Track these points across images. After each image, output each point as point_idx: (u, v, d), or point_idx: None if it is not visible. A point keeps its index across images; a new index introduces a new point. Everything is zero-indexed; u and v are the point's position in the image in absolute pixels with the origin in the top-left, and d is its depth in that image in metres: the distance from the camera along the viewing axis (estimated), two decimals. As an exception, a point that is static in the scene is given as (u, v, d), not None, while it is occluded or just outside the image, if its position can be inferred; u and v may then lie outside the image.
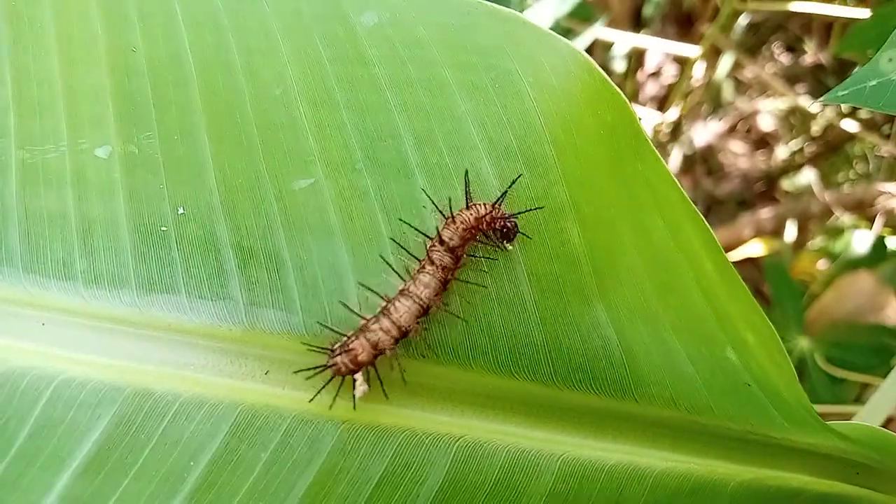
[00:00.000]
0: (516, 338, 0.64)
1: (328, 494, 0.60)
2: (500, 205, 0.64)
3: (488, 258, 0.65)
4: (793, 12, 3.13)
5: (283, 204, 0.64)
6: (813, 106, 2.93)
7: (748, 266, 2.95)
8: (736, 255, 2.87)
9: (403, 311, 0.61)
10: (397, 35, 0.70)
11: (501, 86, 0.67)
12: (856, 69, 0.89)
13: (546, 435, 0.63)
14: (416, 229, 0.64)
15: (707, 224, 0.72)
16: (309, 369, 0.60)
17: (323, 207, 0.64)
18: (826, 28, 3.26)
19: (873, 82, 0.88)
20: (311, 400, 0.60)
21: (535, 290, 0.64)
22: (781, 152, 3.48)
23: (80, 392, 0.58)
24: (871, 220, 2.85)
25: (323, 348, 0.60)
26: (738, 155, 3.62)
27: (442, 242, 0.63)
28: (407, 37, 0.70)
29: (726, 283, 0.72)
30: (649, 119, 2.98)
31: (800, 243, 2.98)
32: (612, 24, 2.98)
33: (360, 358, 0.60)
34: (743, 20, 3.11)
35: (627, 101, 0.70)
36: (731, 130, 3.64)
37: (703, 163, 3.59)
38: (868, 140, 2.98)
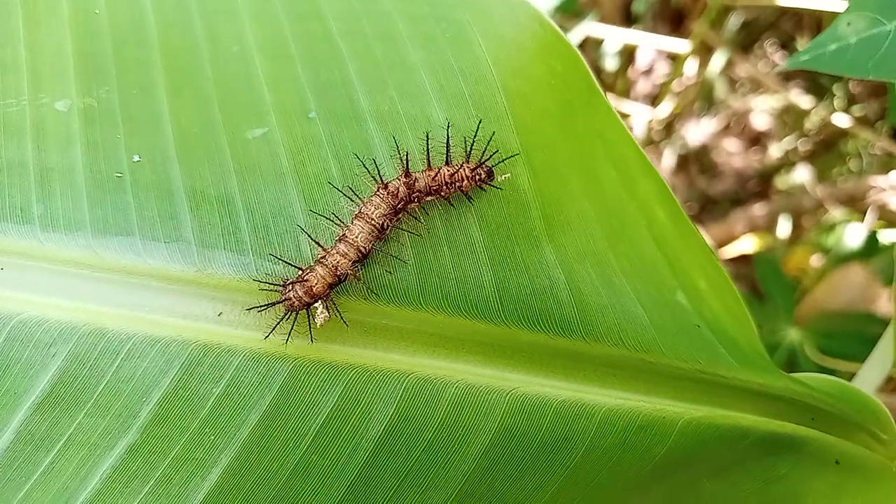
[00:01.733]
0: (466, 278, 0.65)
1: (279, 428, 0.61)
2: (471, 163, 0.66)
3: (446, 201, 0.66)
4: (784, 11, 3.15)
5: (237, 150, 0.66)
6: (803, 102, 2.94)
7: (742, 262, 2.96)
8: (729, 251, 2.88)
9: (358, 231, 0.63)
10: (353, -10, 0.72)
11: (452, 36, 0.69)
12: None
13: (495, 372, 0.64)
14: (403, 157, 0.66)
15: (661, 175, 0.74)
16: (260, 306, 0.61)
17: (275, 154, 0.66)
18: (817, 25, 3.27)
19: (833, 46, 0.89)
20: (266, 337, 0.61)
21: (485, 233, 0.66)
22: (775, 150, 3.48)
23: (35, 331, 0.60)
24: (864, 214, 2.86)
25: (275, 283, 0.62)
26: (731, 153, 3.63)
27: (408, 175, 0.64)
28: (362, -9, 0.72)
29: (679, 231, 0.73)
30: (641, 116, 2.99)
31: (793, 239, 2.99)
32: (603, 20, 3.00)
33: (315, 289, 0.61)
34: (735, 19, 3.12)
35: (579, 53, 0.72)
36: (725, 129, 3.65)
37: (696, 161, 3.59)
38: (861, 137, 2.99)
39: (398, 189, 0.64)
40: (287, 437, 0.61)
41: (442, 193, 0.65)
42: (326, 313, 0.61)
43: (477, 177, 0.65)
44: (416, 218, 0.65)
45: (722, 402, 0.68)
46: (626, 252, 0.70)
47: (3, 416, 0.59)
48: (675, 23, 3.37)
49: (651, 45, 2.73)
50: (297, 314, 0.61)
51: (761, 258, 2.34)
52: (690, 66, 3.29)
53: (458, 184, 0.64)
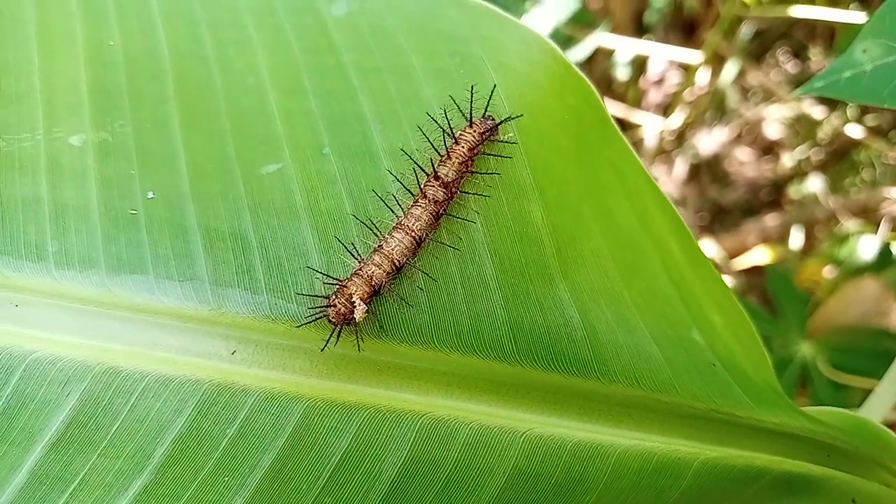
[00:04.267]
0: (480, 317, 0.64)
1: (293, 469, 0.61)
2: (478, 124, 0.66)
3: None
4: (797, 20, 3.14)
5: (251, 187, 0.66)
6: (816, 112, 2.93)
7: (755, 273, 2.94)
8: (741, 262, 2.87)
9: (395, 244, 0.63)
10: (365, 24, 0.72)
11: (466, 71, 0.69)
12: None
13: (510, 413, 0.64)
14: (416, 164, 0.66)
15: (675, 208, 0.73)
16: (305, 322, 0.62)
17: (290, 190, 0.66)
18: (830, 35, 3.26)
19: (848, 73, 0.89)
20: (323, 349, 0.62)
21: (498, 270, 0.65)
22: (787, 160, 3.47)
23: (50, 370, 0.60)
24: (877, 226, 2.84)
25: (316, 296, 0.62)
26: (743, 163, 3.62)
27: (437, 178, 0.65)
28: (375, 25, 0.72)
29: (694, 266, 0.73)
30: (653, 126, 2.99)
31: (805, 250, 2.97)
32: (615, 30, 2.99)
33: (354, 297, 0.61)
34: (747, 28, 3.11)
35: (593, 86, 0.71)
36: (737, 138, 3.63)
37: (708, 171, 3.58)
38: (874, 147, 2.97)
39: (436, 192, 0.64)
40: (300, 479, 0.61)
41: (469, 169, 0.66)
42: (365, 306, 0.61)
43: (486, 134, 0.66)
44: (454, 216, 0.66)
45: (737, 441, 0.68)
46: (640, 288, 0.69)
47: (18, 455, 0.59)
48: (687, 32, 3.36)
49: (663, 55, 2.72)
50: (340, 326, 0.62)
51: (773, 271, 2.33)
52: (702, 76, 3.29)
53: (475, 149, 0.65)
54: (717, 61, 3.12)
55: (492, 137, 0.66)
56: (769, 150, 3.65)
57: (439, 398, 0.63)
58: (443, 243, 0.65)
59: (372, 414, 0.62)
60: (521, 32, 0.70)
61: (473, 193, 0.66)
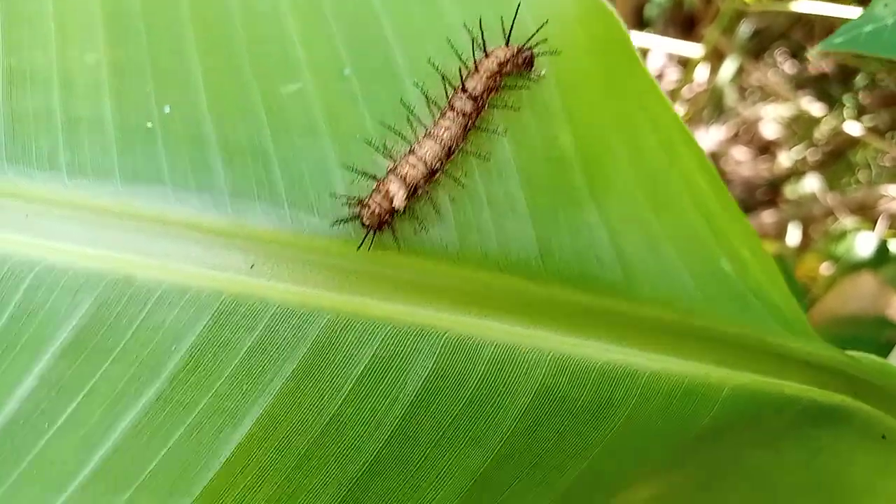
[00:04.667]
0: (507, 236, 0.63)
1: (313, 380, 0.59)
2: (512, 45, 0.65)
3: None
4: (796, 20, 3.14)
5: (270, 106, 0.64)
6: (815, 109, 2.94)
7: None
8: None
9: (427, 148, 0.62)
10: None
11: (493, -6, 0.67)
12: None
13: (536, 332, 0.62)
14: (443, 77, 0.65)
15: (700, 146, 0.72)
16: (343, 220, 0.61)
17: (309, 110, 0.64)
18: (829, 34, 3.25)
19: (869, 27, 0.88)
20: (359, 248, 0.60)
21: (526, 190, 0.64)
22: (784, 160, 3.47)
23: (61, 278, 0.58)
24: (874, 223, 2.84)
25: (352, 197, 0.61)
26: (740, 162, 3.62)
27: (465, 90, 0.63)
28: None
29: (721, 202, 0.71)
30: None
31: (802, 247, 2.97)
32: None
33: (392, 195, 0.60)
34: (747, 27, 3.12)
35: (620, 20, 0.70)
36: (734, 137, 3.64)
37: (705, 169, 3.58)
38: (872, 146, 2.98)
39: (464, 105, 0.63)
40: (322, 390, 0.59)
41: (497, 85, 0.65)
42: (403, 191, 0.60)
43: (521, 59, 0.65)
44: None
45: (767, 369, 0.66)
46: (668, 216, 0.68)
47: (26, 361, 0.57)
48: (687, 28, 3.37)
49: (662, 49, 2.72)
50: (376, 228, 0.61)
51: (770, 262, 2.30)
52: (701, 73, 3.29)
53: (504, 69, 0.64)
54: (715, 59, 3.13)
55: (521, 60, 0.65)
56: (766, 149, 3.66)
57: (464, 316, 0.61)
58: (472, 154, 0.63)
59: (396, 328, 0.60)
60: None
61: (501, 107, 0.65)
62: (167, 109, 0.62)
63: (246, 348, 0.58)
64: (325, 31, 0.67)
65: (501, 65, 0.64)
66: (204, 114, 0.62)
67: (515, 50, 0.65)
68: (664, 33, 3.31)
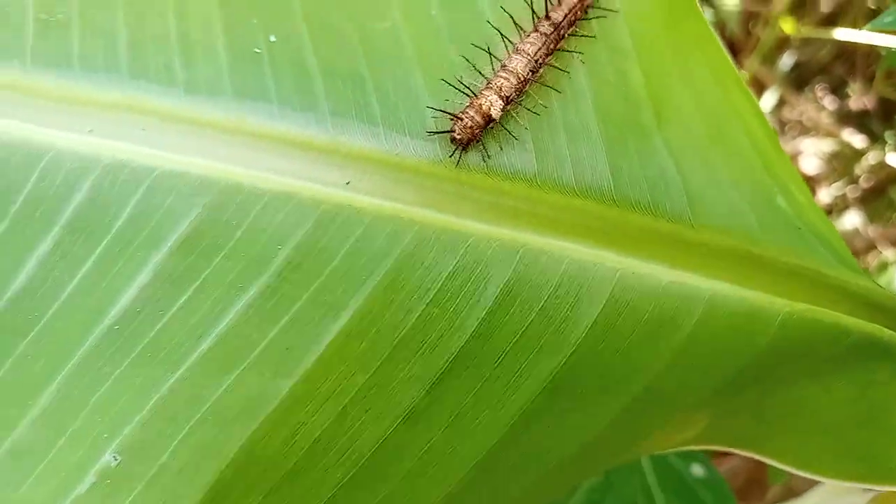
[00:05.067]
0: (582, 162, 0.68)
1: (403, 282, 0.64)
2: None
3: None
4: (837, 55, 3.18)
5: (365, 39, 0.70)
6: (857, 141, 2.95)
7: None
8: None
9: (517, 61, 0.68)
10: None
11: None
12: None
13: (606, 252, 0.66)
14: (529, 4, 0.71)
15: (753, 93, 0.77)
16: (438, 131, 0.66)
17: (400, 43, 0.70)
18: (871, 72, 3.29)
19: (918, 8, 0.92)
20: (453, 159, 0.66)
21: (600, 120, 0.69)
22: (825, 195, 3.48)
23: (176, 183, 0.63)
24: (916, 257, 2.83)
25: (446, 111, 0.67)
26: (780, 195, 3.62)
27: (549, 19, 0.70)
28: None
29: (773, 146, 0.76)
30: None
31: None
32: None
33: (484, 106, 0.65)
34: (787, 59, 3.16)
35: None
36: (773, 170, 3.64)
37: (743, 203, 3.57)
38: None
39: (547, 30, 0.69)
40: (410, 291, 0.64)
41: (578, 17, 0.71)
42: (503, 103, 0.66)
43: None
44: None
45: (823, 299, 0.70)
46: (726, 151, 0.72)
47: (142, 256, 0.63)
48: (728, 57, 3.40)
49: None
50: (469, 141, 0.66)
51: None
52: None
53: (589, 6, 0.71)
54: (756, 90, 3.17)
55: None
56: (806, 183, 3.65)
57: (538, 236, 0.66)
58: (548, 86, 0.69)
59: (475, 241, 0.65)
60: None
61: (581, 35, 0.71)
62: (273, 38, 0.69)
63: (344, 251, 0.63)
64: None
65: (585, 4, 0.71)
66: (306, 43, 0.69)
67: None
68: (705, 61, 3.34)
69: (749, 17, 3.18)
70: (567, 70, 0.71)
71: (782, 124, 3.53)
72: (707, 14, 3.06)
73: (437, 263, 0.64)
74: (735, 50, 3.40)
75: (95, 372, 0.62)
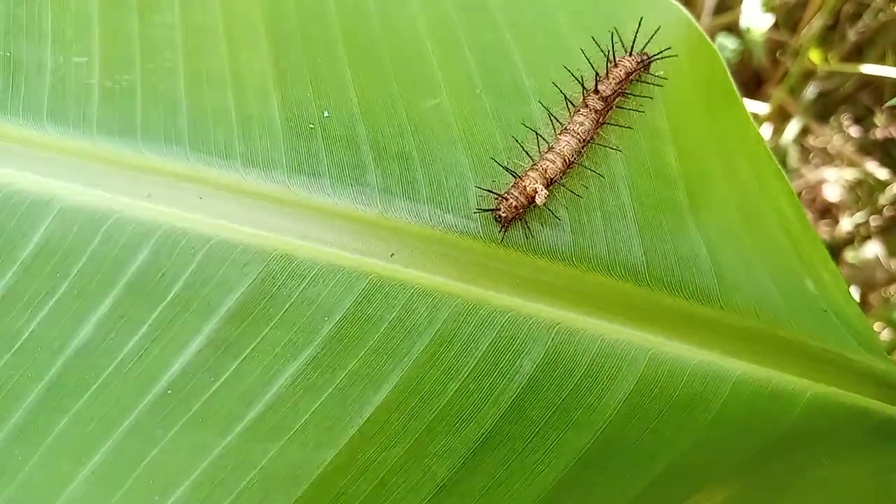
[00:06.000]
0: (617, 242, 0.71)
1: (441, 356, 0.67)
2: (638, 56, 0.76)
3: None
4: (863, 84, 3.18)
5: (413, 117, 0.73)
6: (880, 174, 2.95)
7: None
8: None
9: (565, 143, 0.71)
10: (517, -13, 0.80)
11: (611, 29, 0.76)
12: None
13: (638, 332, 0.69)
14: (578, 79, 0.75)
15: (787, 177, 0.79)
16: (484, 210, 0.70)
17: (447, 122, 0.73)
18: (897, 100, 3.26)
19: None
20: (502, 238, 0.70)
21: (636, 202, 0.72)
22: (846, 224, 3.47)
23: (231, 252, 0.67)
24: (936, 291, 2.83)
25: (493, 191, 0.70)
26: (801, 223, 3.62)
27: (597, 92, 0.73)
28: (526, -11, 0.80)
29: (803, 227, 0.78)
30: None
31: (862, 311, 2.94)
32: (683, 78, 3.04)
33: (528, 188, 0.69)
34: (813, 88, 3.16)
35: (722, 58, 0.78)
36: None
37: (765, 228, 3.57)
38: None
39: (596, 103, 0.72)
40: (449, 365, 0.67)
41: (625, 90, 0.75)
42: (546, 191, 0.69)
43: (642, 62, 0.75)
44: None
45: (846, 382, 0.72)
46: (759, 236, 0.75)
47: (196, 323, 0.66)
48: (753, 87, 3.42)
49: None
50: (513, 219, 0.69)
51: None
52: (765, 132, 3.33)
53: (631, 73, 0.74)
54: (780, 119, 3.17)
55: (645, 70, 0.75)
56: (827, 212, 3.66)
57: (573, 313, 0.69)
58: (588, 168, 0.72)
59: (514, 317, 0.68)
60: (662, 1, 0.78)
61: (629, 109, 0.74)
62: (326, 114, 0.72)
63: (386, 324, 0.67)
64: (459, 54, 0.77)
65: (629, 73, 0.74)
66: (357, 119, 0.72)
67: (639, 59, 0.75)
68: (731, 91, 3.35)
69: (776, 46, 3.19)
70: (614, 147, 0.74)
71: (806, 152, 3.53)
72: (733, 43, 3.08)
73: (476, 338, 0.67)
74: (761, 80, 3.41)
75: (148, 434, 0.66)
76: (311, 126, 0.72)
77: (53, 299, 0.67)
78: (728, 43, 3.18)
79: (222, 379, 0.66)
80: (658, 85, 0.76)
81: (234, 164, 0.70)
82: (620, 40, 0.76)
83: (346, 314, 0.67)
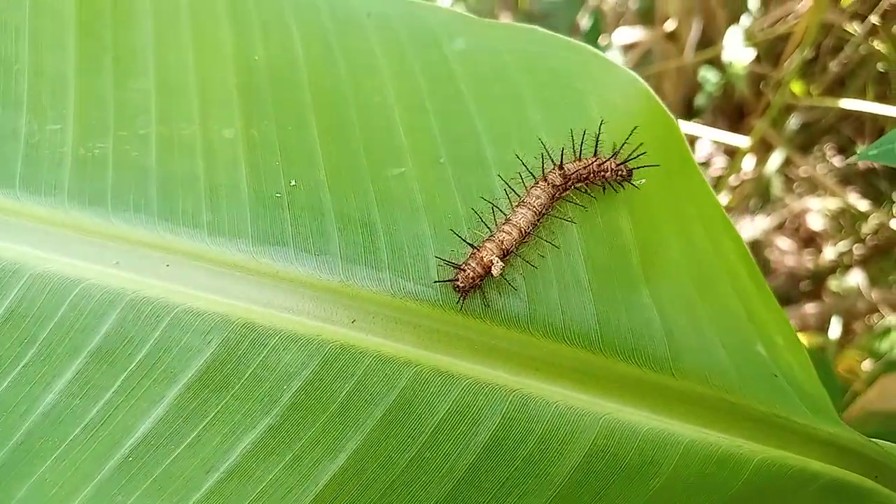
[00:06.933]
0: (571, 310, 0.73)
1: (399, 424, 0.68)
2: (615, 158, 0.78)
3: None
4: (845, 115, 3.23)
5: (378, 185, 0.75)
6: (861, 205, 2.99)
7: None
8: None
9: (521, 215, 0.74)
10: (483, 58, 0.83)
11: (571, 102, 0.79)
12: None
13: (591, 398, 0.71)
14: (546, 150, 0.77)
15: (744, 241, 0.82)
16: (443, 280, 0.72)
17: (410, 190, 0.75)
18: (878, 131, 3.33)
19: (900, 144, 0.97)
20: (461, 307, 0.72)
21: (590, 271, 0.74)
22: (829, 253, 3.51)
23: (195, 320, 0.69)
24: (917, 321, 2.86)
25: (451, 262, 0.72)
26: (785, 252, 3.66)
27: (561, 168, 0.76)
28: (491, 60, 0.83)
29: (760, 292, 0.81)
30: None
31: (844, 341, 2.99)
32: (666, 111, 3.08)
33: (485, 259, 0.71)
34: (796, 120, 3.21)
35: (678, 125, 0.81)
36: (780, 227, 3.69)
37: (750, 257, 3.61)
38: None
39: (556, 178, 0.75)
40: (406, 433, 0.69)
41: (589, 180, 0.77)
42: (502, 263, 0.71)
43: (620, 172, 0.77)
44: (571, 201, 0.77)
45: (794, 446, 0.74)
46: (711, 302, 0.77)
47: (159, 390, 0.68)
48: (735, 119, 3.47)
49: (710, 137, 2.83)
50: (470, 289, 0.71)
51: (811, 355, 2.33)
52: (748, 162, 3.37)
53: (603, 173, 0.76)
54: (763, 149, 3.21)
55: (619, 175, 0.77)
56: (811, 241, 3.70)
57: (529, 379, 0.71)
58: (544, 239, 0.74)
59: (471, 384, 0.70)
60: (620, 73, 0.81)
61: (586, 192, 0.76)
62: (293, 183, 0.74)
63: (345, 392, 0.68)
64: (425, 123, 0.79)
65: (601, 166, 0.76)
66: (324, 188, 0.75)
67: (620, 167, 0.78)
68: (713, 122, 3.41)
69: (759, 79, 3.24)
70: (569, 219, 0.76)
71: (790, 181, 3.58)
72: (715, 76, 3.13)
73: (433, 405, 0.69)
74: (744, 112, 3.46)
75: (109, 500, 0.67)
76: (278, 195, 0.74)
77: (21, 364, 0.69)
78: (710, 76, 3.23)
79: (183, 446, 0.68)
80: (633, 184, 0.79)
81: (200, 233, 0.72)
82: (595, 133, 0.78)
83: (305, 383, 0.68)
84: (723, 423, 0.73)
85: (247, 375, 0.68)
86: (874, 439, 0.80)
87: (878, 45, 2.84)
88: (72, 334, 0.69)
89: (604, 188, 0.78)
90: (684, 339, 0.74)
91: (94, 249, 0.71)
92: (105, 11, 0.82)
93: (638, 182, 0.78)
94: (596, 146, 0.78)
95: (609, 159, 0.76)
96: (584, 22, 2.88)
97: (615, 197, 0.77)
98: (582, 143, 0.78)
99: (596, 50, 0.81)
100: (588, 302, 0.73)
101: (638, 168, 0.78)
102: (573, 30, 2.95)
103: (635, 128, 0.78)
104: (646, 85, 0.81)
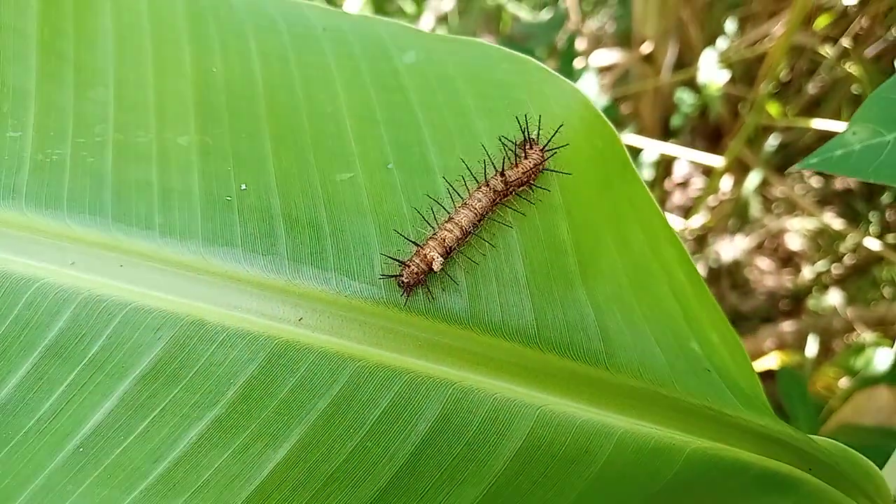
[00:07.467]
0: (510, 307, 0.76)
1: (342, 416, 0.71)
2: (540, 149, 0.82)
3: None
4: (823, 136, 3.29)
5: (327, 189, 0.79)
6: (837, 224, 3.04)
7: (770, 379, 2.99)
8: (756, 366, 2.91)
9: (463, 215, 0.77)
10: (431, 70, 0.87)
11: (513, 111, 0.82)
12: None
13: (528, 391, 0.74)
14: (488, 155, 0.81)
15: (682, 242, 0.85)
16: (386, 276, 0.75)
17: (358, 194, 0.79)
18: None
19: (839, 152, 1.01)
20: (405, 303, 0.75)
21: (528, 270, 0.77)
22: (808, 272, 3.56)
23: (145, 318, 0.72)
24: (893, 339, 2.89)
25: (396, 258, 0.75)
26: (764, 272, 3.71)
27: (503, 175, 0.79)
28: (439, 72, 0.87)
29: (696, 292, 0.84)
30: (674, 226, 3.10)
31: (821, 360, 3.02)
32: (642, 132, 3.16)
33: (428, 256, 0.74)
34: (773, 140, 3.27)
35: (617, 133, 0.85)
36: (759, 247, 3.74)
37: (728, 277, 3.67)
38: (896, 263, 3.05)
39: (497, 184, 0.78)
40: (348, 424, 0.71)
41: (530, 183, 0.81)
42: (443, 259, 0.74)
43: (545, 156, 0.81)
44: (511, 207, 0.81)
45: (725, 437, 0.77)
46: (648, 301, 0.80)
47: (110, 384, 0.71)
48: (713, 139, 3.53)
49: (687, 157, 2.88)
50: (413, 285, 0.75)
51: (786, 373, 2.37)
52: (726, 183, 3.42)
53: (539, 166, 0.80)
54: (741, 170, 3.27)
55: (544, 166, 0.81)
56: (790, 260, 3.75)
57: (469, 373, 0.74)
58: (484, 239, 0.78)
59: (412, 377, 0.73)
60: (561, 84, 0.85)
61: (524, 199, 0.80)
62: (244, 187, 0.78)
63: (290, 385, 0.71)
64: (375, 132, 0.83)
65: (536, 165, 0.79)
66: (273, 192, 0.78)
67: (544, 151, 0.81)
68: (692, 142, 3.47)
69: (735, 100, 3.30)
70: (508, 224, 0.79)
71: (769, 202, 3.63)
72: (691, 98, 3.19)
73: (374, 399, 0.72)
74: (721, 133, 3.52)
75: (59, 490, 0.70)
76: (229, 199, 0.77)
77: (-25, 361, 0.71)
78: (686, 97, 3.29)
79: (132, 436, 0.70)
80: (567, 173, 0.82)
81: (153, 234, 0.75)
82: (527, 124, 0.82)
83: (251, 377, 0.71)
84: (656, 416, 0.76)
85: (195, 370, 0.71)
86: (812, 436, 0.83)
87: (850, 67, 2.91)
88: (27, 331, 0.72)
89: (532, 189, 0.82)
90: (619, 336, 0.77)
91: (50, 250, 0.74)
92: (67, 30, 0.86)
93: (566, 171, 0.82)
94: (526, 149, 0.82)
95: (539, 155, 0.80)
96: (562, 44, 2.94)
97: (554, 201, 0.80)
98: (525, 146, 0.81)
99: (536, 61, 0.85)
100: (526, 299, 0.76)
101: (553, 151, 0.83)
102: (552, 52, 3.01)
103: (561, 125, 0.81)
104: (586, 95, 0.84)
